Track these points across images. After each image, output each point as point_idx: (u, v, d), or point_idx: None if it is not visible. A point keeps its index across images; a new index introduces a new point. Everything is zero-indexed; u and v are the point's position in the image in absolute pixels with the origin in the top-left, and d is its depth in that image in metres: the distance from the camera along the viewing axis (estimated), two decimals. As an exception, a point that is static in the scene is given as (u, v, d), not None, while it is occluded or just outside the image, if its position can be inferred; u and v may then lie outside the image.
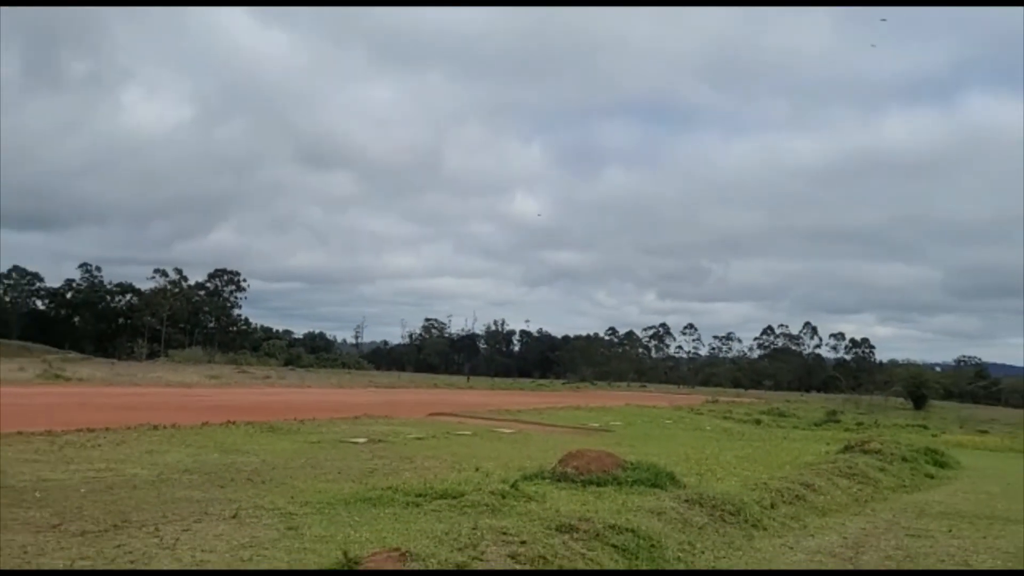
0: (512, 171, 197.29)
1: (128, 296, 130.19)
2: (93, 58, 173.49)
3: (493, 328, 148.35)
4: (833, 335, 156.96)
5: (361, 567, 6.70)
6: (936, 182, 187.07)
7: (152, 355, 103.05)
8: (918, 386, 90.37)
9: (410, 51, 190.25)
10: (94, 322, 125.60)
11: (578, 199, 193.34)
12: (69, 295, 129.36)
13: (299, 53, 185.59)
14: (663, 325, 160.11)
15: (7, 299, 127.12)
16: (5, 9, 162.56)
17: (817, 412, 52.02)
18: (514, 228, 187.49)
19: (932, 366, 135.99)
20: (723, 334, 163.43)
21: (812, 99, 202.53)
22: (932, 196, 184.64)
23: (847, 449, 21.27)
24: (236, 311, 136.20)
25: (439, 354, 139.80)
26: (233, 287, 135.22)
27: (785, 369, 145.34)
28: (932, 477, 19.66)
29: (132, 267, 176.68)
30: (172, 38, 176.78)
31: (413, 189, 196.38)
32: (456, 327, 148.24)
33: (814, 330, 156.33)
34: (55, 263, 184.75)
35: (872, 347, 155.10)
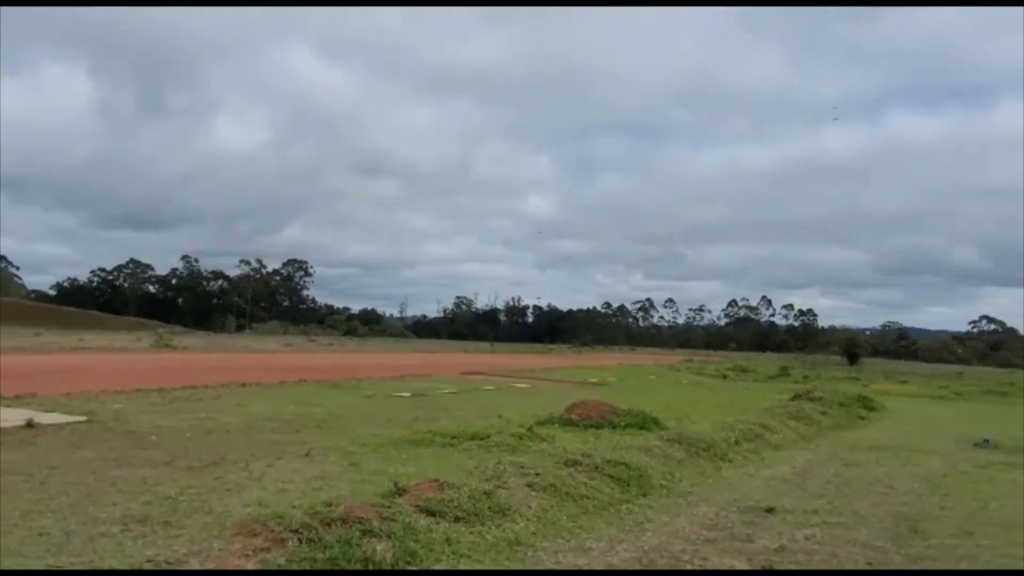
0: (526, 177, 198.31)
1: (220, 281, 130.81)
2: (191, 92, 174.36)
3: (511, 304, 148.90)
4: (784, 306, 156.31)
5: (408, 492, 6.77)
6: (865, 183, 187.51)
7: (239, 328, 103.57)
8: (852, 347, 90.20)
9: (445, 82, 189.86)
10: (193, 302, 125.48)
11: (579, 199, 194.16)
12: (174, 281, 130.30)
13: (355, 84, 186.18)
14: (648, 300, 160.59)
15: (126, 285, 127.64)
16: (118, 53, 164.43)
17: (772, 368, 51.88)
18: (527, 223, 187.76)
19: (863, 330, 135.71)
20: (696, 307, 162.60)
21: (766, 117, 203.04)
22: (862, 194, 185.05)
23: (796, 397, 21.26)
24: (305, 292, 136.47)
25: (467, 325, 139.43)
26: (302, 273, 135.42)
27: (746, 334, 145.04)
28: (863, 418, 19.65)
29: (223, 258, 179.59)
30: (253, 74, 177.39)
31: (446, 192, 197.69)
32: (481, 303, 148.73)
33: (769, 302, 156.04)
34: (163, 255, 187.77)
35: (815, 316, 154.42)
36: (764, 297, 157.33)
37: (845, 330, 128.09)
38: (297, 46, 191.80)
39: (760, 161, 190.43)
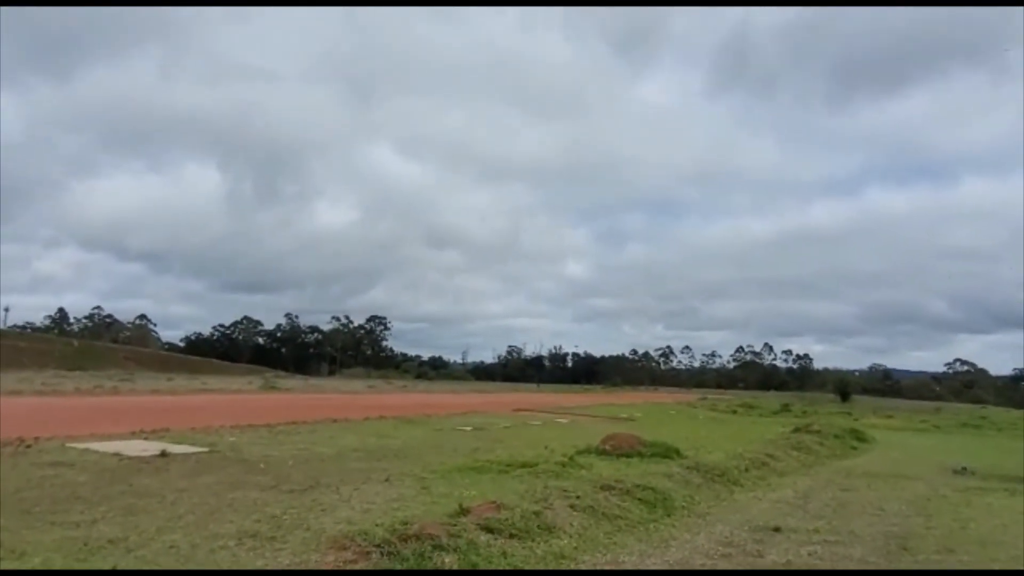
0: (566, 247, 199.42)
1: (315, 334, 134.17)
2: (297, 181, 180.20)
3: (554, 351, 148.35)
4: (784, 351, 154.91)
5: (471, 512, 6.72)
6: (848, 247, 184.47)
7: (331, 373, 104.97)
8: (844, 386, 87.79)
9: (500, 170, 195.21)
10: (294, 351, 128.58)
11: (610, 264, 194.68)
12: (279, 334, 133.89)
13: (427, 174, 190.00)
14: (668, 347, 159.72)
15: (240, 337, 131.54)
16: (242, 151, 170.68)
17: (775, 405, 50.50)
18: (567, 284, 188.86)
19: (853, 372, 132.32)
20: (709, 352, 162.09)
21: (764, 194, 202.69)
22: (846, 256, 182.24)
23: (796, 430, 20.66)
24: (384, 343, 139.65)
25: (518, 369, 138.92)
26: (382, 327, 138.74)
27: (752, 375, 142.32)
28: (855, 449, 18.97)
29: (318, 315, 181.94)
30: (347, 167, 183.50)
31: (500, 260, 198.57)
32: (529, 351, 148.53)
33: (771, 348, 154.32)
34: (271, 314, 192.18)
35: (811, 359, 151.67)
36: (767, 344, 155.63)
37: (837, 372, 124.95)
38: (381, 144, 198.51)
39: (760, 230, 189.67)
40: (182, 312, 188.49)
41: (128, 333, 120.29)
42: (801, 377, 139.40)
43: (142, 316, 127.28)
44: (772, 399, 69.83)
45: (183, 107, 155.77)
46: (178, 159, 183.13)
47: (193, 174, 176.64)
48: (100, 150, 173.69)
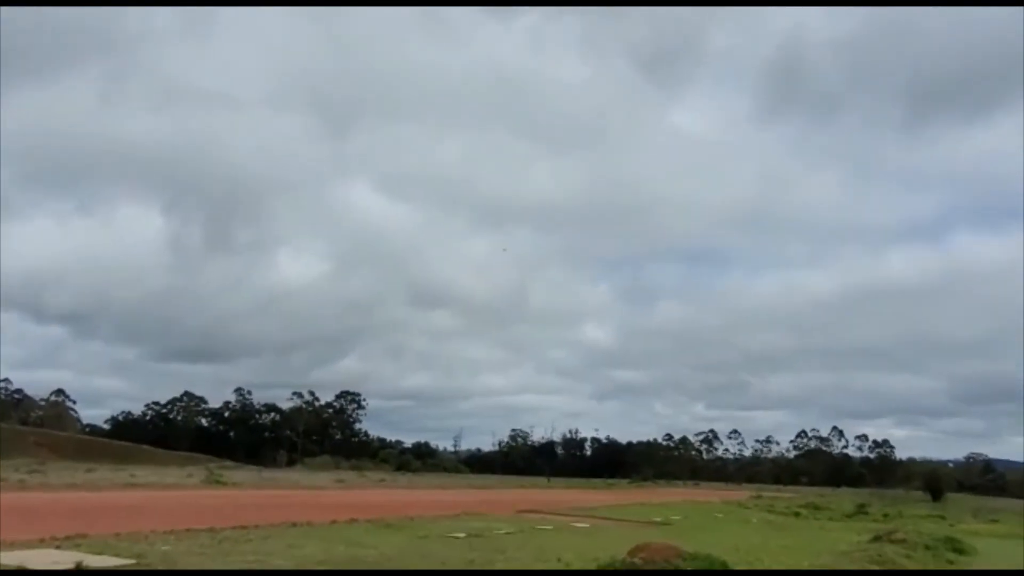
0: (582, 306, 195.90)
1: (272, 414, 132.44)
2: (256, 227, 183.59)
3: (568, 436, 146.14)
4: (858, 437, 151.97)
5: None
6: (931, 306, 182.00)
7: (290, 463, 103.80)
8: (934, 481, 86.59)
9: (502, 213, 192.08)
10: (245, 435, 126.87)
11: (636, 327, 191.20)
12: (227, 414, 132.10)
13: (415, 217, 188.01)
14: (711, 431, 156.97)
15: (179, 418, 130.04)
16: (192, 186, 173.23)
17: (848, 505, 49.79)
18: (584, 352, 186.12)
19: (945, 462, 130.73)
20: (763, 438, 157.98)
21: (824, 242, 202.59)
22: (929, 318, 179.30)
23: (876, 539, 20.29)
24: (357, 425, 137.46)
25: (524, 459, 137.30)
26: (355, 405, 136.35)
27: (818, 467, 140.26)
28: (952, 563, 18.60)
29: (276, 390, 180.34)
30: (316, 210, 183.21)
31: (502, 322, 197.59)
32: (537, 436, 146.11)
33: (840, 433, 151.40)
34: (217, 388, 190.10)
35: (892, 447, 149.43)
36: (835, 428, 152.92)
37: (925, 462, 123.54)
38: (360, 181, 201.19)
39: (820, 286, 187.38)
40: (108, 386, 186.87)
41: (41, 412, 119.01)
42: (880, 469, 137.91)
43: (59, 391, 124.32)
44: (844, 497, 68.89)
45: (123, 137, 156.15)
46: (113, 199, 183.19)
47: (131, 217, 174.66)
48: (16, 187, 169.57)
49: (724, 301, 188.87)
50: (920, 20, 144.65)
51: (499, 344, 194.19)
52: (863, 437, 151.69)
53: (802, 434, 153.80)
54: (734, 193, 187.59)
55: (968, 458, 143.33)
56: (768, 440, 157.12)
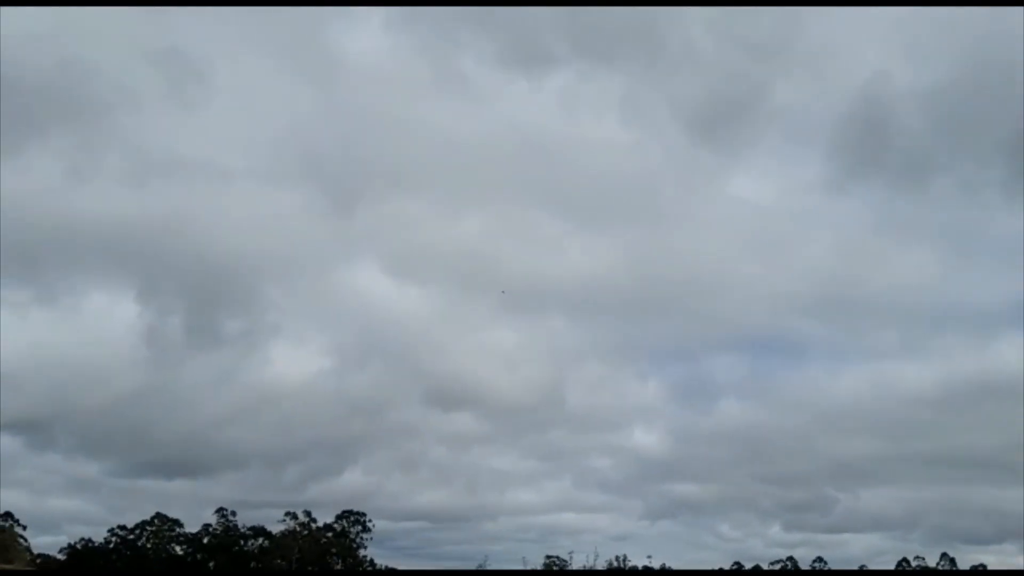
0: (629, 406, 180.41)
1: (260, 540, 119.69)
2: (245, 316, 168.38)
3: (615, 564, 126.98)
4: (975, 567, 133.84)
5: None
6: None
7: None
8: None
9: (535, 297, 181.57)
10: (228, 565, 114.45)
11: (694, 431, 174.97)
12: (205, 540, 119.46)
13: (430, 302, 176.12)
14: (790, 559, 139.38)
15: (148, 545, 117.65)
16: (171, 269, 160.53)
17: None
18: (633, 461, 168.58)
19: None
20: (855, 567, 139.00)
21: (919, 328, 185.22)
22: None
23: None
24: (362, 551, 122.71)
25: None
26: (360, 527, 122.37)
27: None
28: None
29: (266, 510, 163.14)
30: (315, 295, 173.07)
31: (534, 426, 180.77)
32: (578, 563, 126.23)
33: (952, 561, 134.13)
34: (196, 508, 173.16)
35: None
36: (945, 554, 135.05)
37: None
38: (366, 261, 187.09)
39: (917, 380, 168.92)
40: (66, 508, 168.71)
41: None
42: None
43: (6, 514, 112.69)
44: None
45: (92, 215, 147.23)
46: (80, 286, 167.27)
47: (98, 306, 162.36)
48: None
49: (800, 399, 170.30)
50: (1019, 65, 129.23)
51: (531, 453, 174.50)
52: (981, 567, 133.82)
53: (903, 562, 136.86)
54: (808, 272, 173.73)
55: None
56: (861, 570, 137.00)
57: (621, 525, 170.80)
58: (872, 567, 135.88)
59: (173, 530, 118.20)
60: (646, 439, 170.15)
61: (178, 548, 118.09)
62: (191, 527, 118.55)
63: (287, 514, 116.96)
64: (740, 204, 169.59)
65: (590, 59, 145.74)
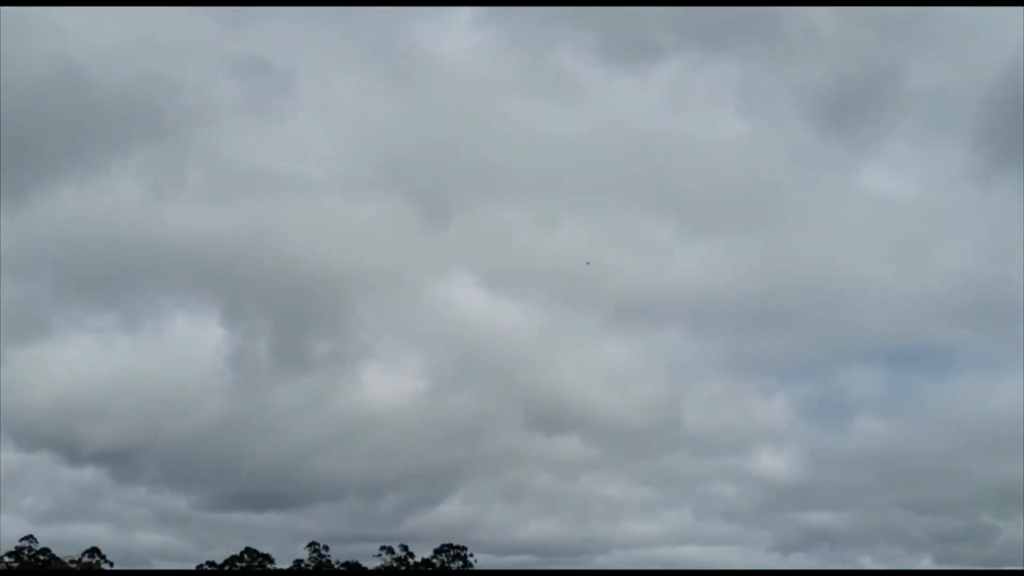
0: (754, 426, 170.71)
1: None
2: (337, 338, 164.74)
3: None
4: None
5: None
6: None
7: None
8: None
9: (647, 309, 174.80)
10: None
11: (829, 453, 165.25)
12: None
13: (531, 318, 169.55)
14: None
15: None
16: (258, 289, 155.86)
17: None
18: (761, 487, 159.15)
19: None
20: None
21: None
22: None
23: None
24: None
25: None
26: (460, 563, 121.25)
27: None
28: None
29: (360, 544, 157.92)
30: (409, 314, 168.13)
31: (649, 450, 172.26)
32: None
33: None
34: (287, 542, 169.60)
35: None
36: None
37: None
38: (462, 275, 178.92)
39: None
40: (153, 542, 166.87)
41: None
42: None
43: (92, 550, 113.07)
44: None
45: (176, 234, 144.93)
46: (164, 308, 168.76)
47: (183, 330, 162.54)
48: (49, 300, 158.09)
49: (948, 415, 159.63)
50: None
51: (645, 479, 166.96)
52: None
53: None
54: (953, 273, 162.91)
55: None
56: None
57: (750, 558, 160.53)
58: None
59: (264, 566, 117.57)
60: (774, 463, 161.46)
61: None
62: (282, 563, 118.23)
63: (383, 548, 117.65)
64: (873, 200, 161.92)
65: (701, 48, 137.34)
